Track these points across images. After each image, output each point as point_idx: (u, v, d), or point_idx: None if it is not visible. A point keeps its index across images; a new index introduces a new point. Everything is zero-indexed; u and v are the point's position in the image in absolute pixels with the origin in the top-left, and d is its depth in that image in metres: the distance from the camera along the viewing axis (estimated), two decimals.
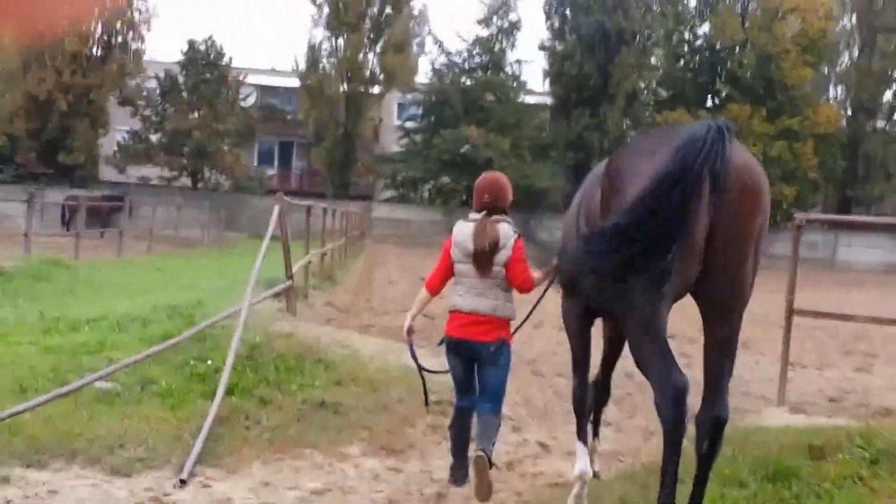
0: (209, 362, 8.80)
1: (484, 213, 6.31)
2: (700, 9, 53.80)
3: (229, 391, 8.04)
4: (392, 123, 59.62)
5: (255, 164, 59.26)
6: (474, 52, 55.03)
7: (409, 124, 56.46)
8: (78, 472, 6.29)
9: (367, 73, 54.00)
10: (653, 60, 53.47)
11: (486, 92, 53.40)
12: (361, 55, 53.40)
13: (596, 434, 6.85)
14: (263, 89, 61.06)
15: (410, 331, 6.56)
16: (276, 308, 12.71)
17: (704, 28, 53.71)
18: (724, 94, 52.35)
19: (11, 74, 48.70)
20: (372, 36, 54.01)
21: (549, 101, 55.33)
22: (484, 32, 54.80)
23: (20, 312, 12.25)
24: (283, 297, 13.19)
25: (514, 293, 6.32)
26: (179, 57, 53.12)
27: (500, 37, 54.86)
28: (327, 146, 52.46)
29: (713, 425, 4.94)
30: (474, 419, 6.45)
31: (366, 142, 56.58)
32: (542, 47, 54.06)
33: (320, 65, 53.84)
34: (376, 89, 54.89)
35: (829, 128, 50.67)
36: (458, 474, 6.46)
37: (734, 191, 4.55)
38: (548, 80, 54.12)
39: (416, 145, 54.31)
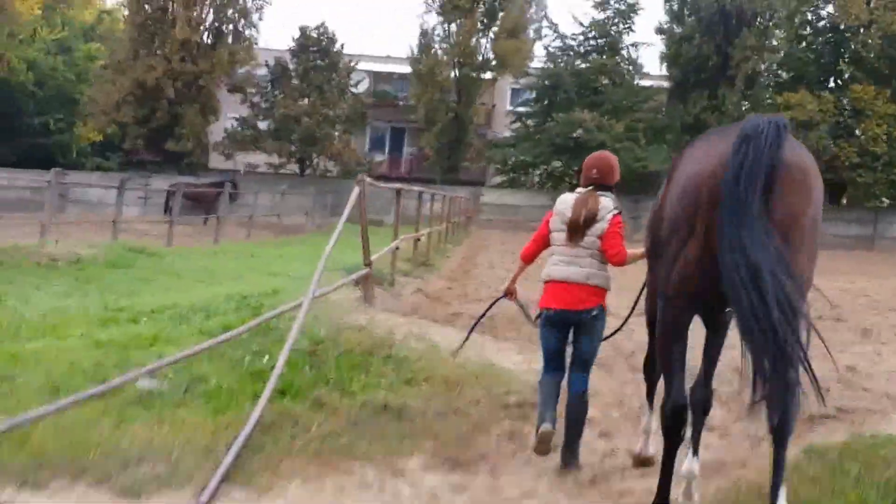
0: (266, 358, 7.65)
1: (590, 188, 6.59)
2: None
3: (282, 392, 7.02)
4: (505, 109, 59.54)
5: (367, 149, 58.92)
6: (590, 36, 54.67)
7: (522, 108, 56.09)
8: (81, 492, 5.04)
9: (480, 57, 53.68)
10: (774, 42, 52.52)
11: (601, 75, 53.22)
12: (474, 40, 53.06)
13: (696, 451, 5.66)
14: (376, 76, 61.12)
15: (510, 293, 7.17)
16: (353, 297, 11.67)
17: (828, 9, 51.94)
18: (846, 75, 50.93)
19: (121, 62, 49.32)
20: (485, 21, 53.74)
21: (665, 84, 54.71)
22: (600, 15, 54.43)
23: (86, 302, 11.46)
24: (363, 285, 12.25)
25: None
26: (291, 44, 53.34)
27: (616, 20, 54.45)
28: (437, 131, 52.48)
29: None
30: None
31: (477, 127, 56.30)
32: (659, 30, 53.72)
33: (432, 50, 53.70)
34: (488, 75, 54.56)
35: None
36: (549, 418, 6.34)
37: (786, 186, 4.63)
38: (665, 63, 53.56)
39: (527, 129, 54.02)
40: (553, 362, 6.63)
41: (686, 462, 5.42)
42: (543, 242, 6.73)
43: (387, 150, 61.01)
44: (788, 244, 4.62)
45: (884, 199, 51.88)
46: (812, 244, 4.83)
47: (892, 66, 48.29)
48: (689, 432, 5.47)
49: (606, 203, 6.51)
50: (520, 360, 9.04)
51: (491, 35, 53.61)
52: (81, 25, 57.64)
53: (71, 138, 52.44)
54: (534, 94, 54.91)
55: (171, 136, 49.40)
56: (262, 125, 52.21)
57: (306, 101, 51.52)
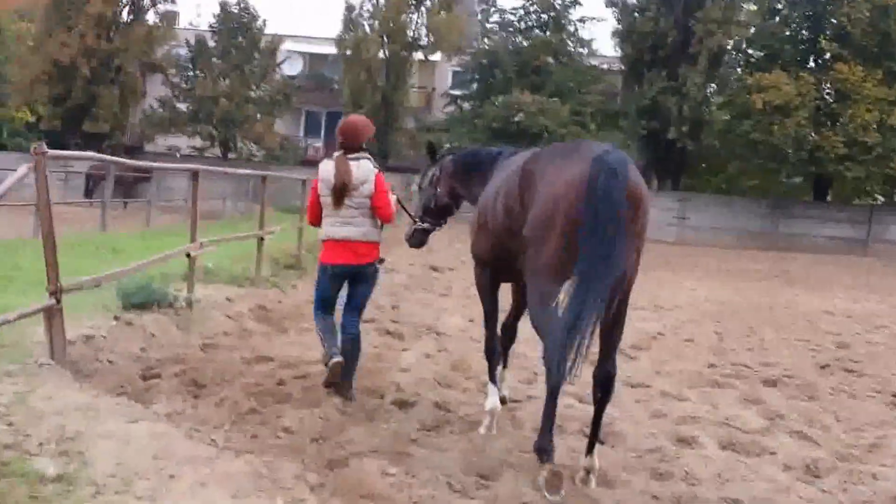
0: None
1: (341, 152, 7.00)
2: None
3: None
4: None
5: (302, 134, 52.45)
6: (531, 10, 44.97)
7: (457, 91, 46.85)
8: None
9: (411, 34, 44.30)
10: (742, 16, 41.61)
11: (544, 54, 43.13)
12: (404, 16, 43.67)
13: (505, 365, 7.58)
14: (312, 58, 52.88)
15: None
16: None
17: None
18: (828, 54, 40.18)
19: (34, 39, 43.94)
20: None
21: (619, 66, 44.73)
22: None
23: None
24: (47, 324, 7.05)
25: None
26: (212, 21, 46.36)
27: None
28: (363, 114, 40.77)
29: (606, 380, 5.79)
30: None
31: (416, 111, 47.38)
32: (610, 2, 42.96)
33: (359, 27, 44.44)
34: (421, 55, 45.42)
35: None
36: (334, 351, 7.00)
37: (630, 205, 5.32)
38: (617, 40, 43.01)
39: (463, 113, 44.65)
40: (329, 308, 7.27)
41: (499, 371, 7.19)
42: (319, 207, 7.09)
43: (323, 135, 52.65)
44: (635, 254, 5.64)
45: (878, 196, 41.87)
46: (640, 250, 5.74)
47: (883, 43, 37.83)
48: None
49: (366, 165, 6.97)
50: None
51: (423, 10, 44.23)
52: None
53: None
54: (471, 76, 45.74)
55: (89, 116, 43.65)
56: (183, 107, 45.72)
57: (227, 81, 44.75)
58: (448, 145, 8.31)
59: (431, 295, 15.05)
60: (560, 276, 5.31)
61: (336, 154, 7.01)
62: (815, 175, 40.37)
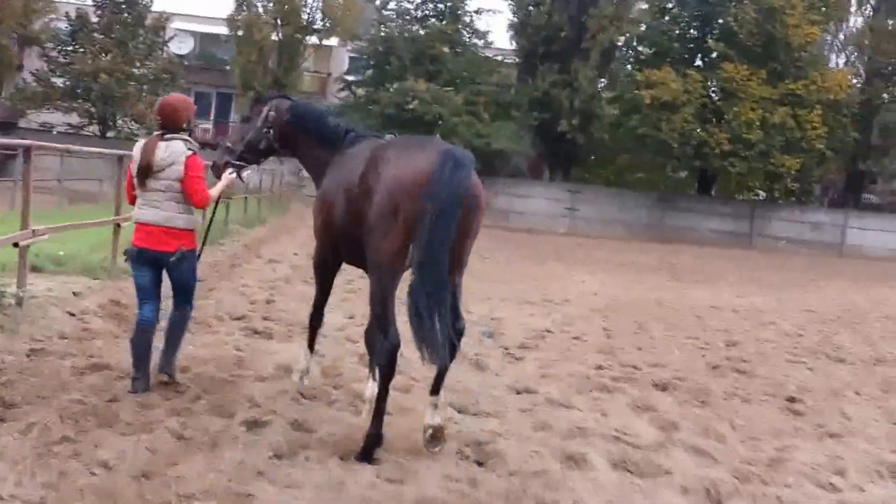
0: None
1: (156, 133, 6.60)
2: None
3: None
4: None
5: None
6: None
7: (352, 77, 45.52)
8: None
9: (305, 17, 43.03)
10: (634, 13, 41.84)
11: (440, 43, 42.14)
12: None
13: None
14: (203, 37, 51.18)
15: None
16: None
17: None
18: (715, 54, 40.64)
19: None
20: None
21: (515, 59, 44.49)
22: None
23: None
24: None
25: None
26: None
27: None
28: (254, 96, 39.32)
29: (457, 335, 5.93)
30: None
31: (310, 95, 44.99)
32: None
33: (253, 8, 42.76)
34: (315, 39, 44.18)
35: (840, 94, 38.79)
36: (138, 384, 6.52)
37: (478, 207, 5.70)
38: (512, 33, 42.87)
39: (357, 99, 43.31)
40: (146, 295, 6.68)
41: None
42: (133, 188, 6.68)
43: (212, 116, 50.56)
44: (470, 242, 5.85)
45: (759, 191, 42.37)
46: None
47: (768, 45, 38.40)
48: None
49: (177, 147, 6.50)
50: None
51: None
52: None
53: None
54: (367, 62, 44.44)
55: None
56: (60, 81, 42.95)
57: (107, 57, 42.17)
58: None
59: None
60: (402, 265, 5.63)
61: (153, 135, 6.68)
62: (700, 170, 40.76)
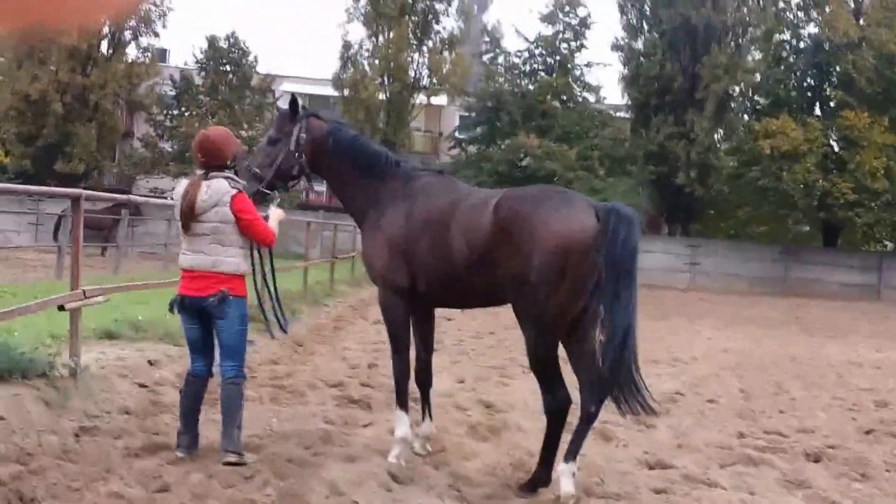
0: None
1: (200, 173, 6.38)
2: (805, 4, 42.73)
3: None
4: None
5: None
6: (536, 53, 45.35)
7: (462, 135, 46.82)
8: None
9: (412, 74, 44.42)
10: (748, 63, 42.73)
11: (549, 97, 43.64)
12: (405, 55, 43.66)
13: (424, 416, 7.16)
14: (311, 100, 51.79)
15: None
16: None
17: (809, 28, 43.00)
18: (833, 102, 41.44)
19: (2, 72, 41.73)
20: (418, 34, 44.47)
21: (625, 113, 45.61)
22: (548, 30, 45.01)
23: None
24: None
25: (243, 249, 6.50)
26: (199, 56, 45.13)
27: (566, 34, 44.92)
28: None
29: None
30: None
31: (422, 156, 47.39)
32: (616, 46, 44.13)
33: (359, 66, 44.57)
34: (423, 98, 45.36)
35: None
36: (183, 440, 6.39)
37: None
38: (623, 85, 44.05)
39: (468, 157, 44.68)
40: (194, 349, 6.59)
41: (424, 425, 7.06)
42: None
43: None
44: None
45: (886, 242, 42.99)
46: None
47: (889, 90, 38.98)
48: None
49: (219, 186, 6.28)
50: None
51: (425, 50, 44.60)
52: None
53: None
54: (476, 118, 45.93)
55: (61, 155, 41.12)
56: (167, 146, 44.35)
57: (214, 119, 42.95)
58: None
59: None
60: (565, 322, 5.93)
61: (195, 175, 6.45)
62: (824, 221, 41.11)
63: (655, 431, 8.47)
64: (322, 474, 6.13)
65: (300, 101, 7.09)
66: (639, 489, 6.45)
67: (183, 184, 6.47)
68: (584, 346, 6.10)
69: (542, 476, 6.14)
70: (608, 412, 8.12)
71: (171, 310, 6.56)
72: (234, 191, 6.27)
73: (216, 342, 6.58)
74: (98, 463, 6.13)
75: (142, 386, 8.56)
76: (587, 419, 6.06)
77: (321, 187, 49.78)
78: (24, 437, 6.50)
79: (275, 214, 6.72)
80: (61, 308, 7.96)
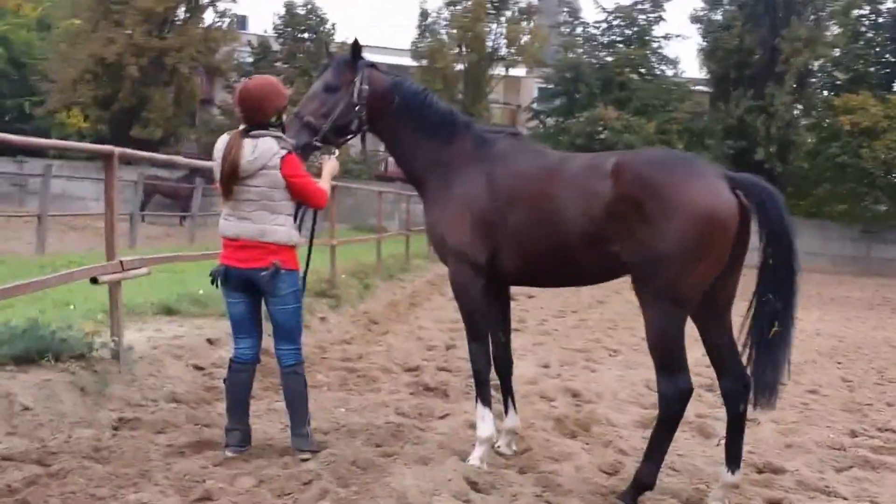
0: None
1: (241, 128, 5.74)
2: None
3: None
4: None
5: (382, 149, 49.89)
6: (614, 24, 45.50)
7: (538, 106, 46.97)
8: None
9: (490, 44, 44.83)
10: (828, 37, 42.65)
11: (628, 69, 43.79)
12: (482, 24, 44.07)
13: (507, 408, 6.57)
14: (389, 69, 51.44)
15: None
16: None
17: (888, 3, 43.17)
18: None
19: (77, 34, 40.89)
20: (496, 2, 44.87)
21: (703, 86, 45.76)
22: (627, 1, 45.15)
23: None
24: None
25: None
26: (276, 22, 45.82)
27: (645, 5, 45.10)
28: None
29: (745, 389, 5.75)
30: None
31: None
32: (695, 18, 44.26)
33: (436, 35, 45.05)
34: (501, 69, 45.67)
35: None
36: (233, 437, 5.81)
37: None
38: (702, 58, 44.19)
39: (546, 128, 44.89)
40: (240, 328, 5.91)
41: (508, 418, 6.47)
42: None
43: None
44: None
45: None
46: None
47: None
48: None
49: (268, 144, 5.63)
50: None
51: (503, 20, 44.95)
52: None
53: (50, 123, 42.88)
54: (554, 90, 45.95)
55: (138, 120, 40.92)
56: None
57: (292, 87, 42.91)
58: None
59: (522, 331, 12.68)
60: (698, 300, 5.43)
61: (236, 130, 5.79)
62: None
63: (758, 428, 7.69)
64: (390, 481, 5.29)
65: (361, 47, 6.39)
66: (751, 500, 5.82)
67: (224, 140, 5.77)
68: (725, 334, 5.74)
69: (645, 477, 5.53)
70: (700, 402, 8.04)
71: (212, 282, 5.87)
72: (284, 151, 5.66)
73: (265, 322, 5.99)
74: (133, 463, 5.44)
75: (197, 368, 7.92)
76: (737, 419, 5.64)
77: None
78: (52, 432, 5.87)
79: (329, 168, 6.13)
80: (94, 280, 7.05)
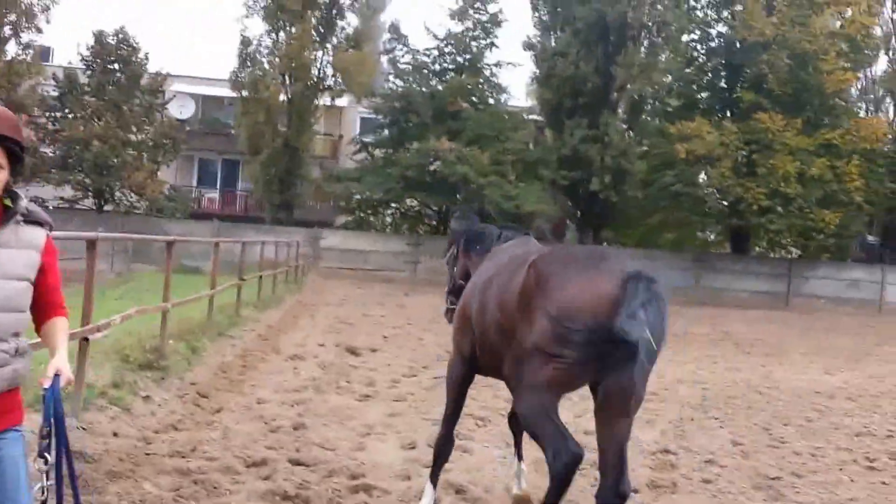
0: None
1: None
2: (716, 2, 43.87)
3: None
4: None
5: (195, 183, 50.02)
6: (446, 52, 45.09)
7: (368, 138, 46.19)
8: None
9: (316, 73, 43.73)
10: (661, 63, 43.22)
11: (461, 97, 43.18)
12: (307, 52, 42.85)
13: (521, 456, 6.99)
14: (205, 100, 51.17)
15: None
16: None
17: (719, 28, 44.09)
18: (743, 104, 41.76)
19: None
20: (322, 31, 43.96)
21: (536, 116, 45.81)
22: (458, 27, 44.80)
23: None
24: None
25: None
26: (84, 52, 42.79)
27: (477, 32, 44.72)
28: (263, 160, 41.92)
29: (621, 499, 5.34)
30: None
31: (322, 160, 47.28)
32: (528, 45, 44.17)
33: (259, 64, 43.40)
34: (328, 99, 44.77)
35: (875, 144, 40.64)
36: None
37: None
38: (535, 85, 44.61)
39: (374, 161, 44.19)
40: None
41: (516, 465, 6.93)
42: None
43: (219, 185, 50.88)
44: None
45: (792, 248, 44.21)
46: None
47: (800, 91, 40.17)
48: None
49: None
50: None
51: (329, 48, 44.05)
52: None
53: None
54: (383, 120, 45.20)
55: None
56: (49, 151, 41.82)
57: (100, 122, 41.31)
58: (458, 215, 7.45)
59: (349, 398, 11.26)
60: (562, 391, 5.33)
61: None
62: (733, 228, 41.98)
63: None
64: None
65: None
66: None
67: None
68: (612, 431, 5.30)
69: None
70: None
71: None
72: (47, 229, 3.85)
73: None
74: None
75: None
76: None
77: (213, 193, 48.61)
78: None
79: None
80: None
